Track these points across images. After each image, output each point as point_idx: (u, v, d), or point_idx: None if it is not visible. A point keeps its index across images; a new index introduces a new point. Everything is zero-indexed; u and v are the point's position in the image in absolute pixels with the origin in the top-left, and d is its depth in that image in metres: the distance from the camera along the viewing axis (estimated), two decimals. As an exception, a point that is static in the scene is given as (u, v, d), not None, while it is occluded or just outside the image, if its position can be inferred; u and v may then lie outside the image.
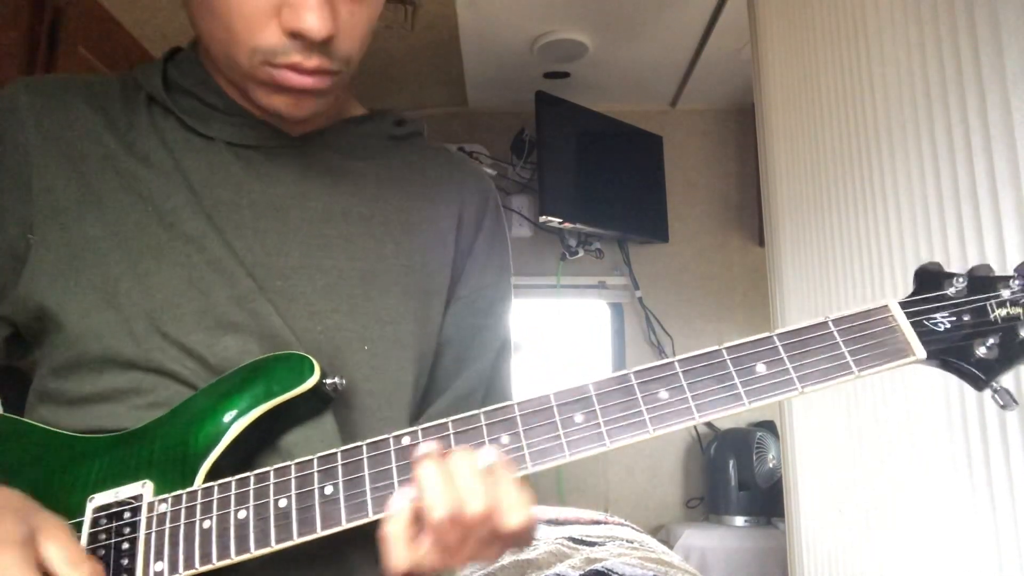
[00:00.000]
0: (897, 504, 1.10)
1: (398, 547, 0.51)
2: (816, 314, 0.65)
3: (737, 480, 2.52)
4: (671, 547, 2.18)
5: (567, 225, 2.67)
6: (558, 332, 2.94)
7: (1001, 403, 0.53)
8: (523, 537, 0.54)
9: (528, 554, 1.30)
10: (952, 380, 0.95)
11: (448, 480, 0.51)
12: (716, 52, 2.49)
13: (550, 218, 2.61)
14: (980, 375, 0.53)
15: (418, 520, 0.52)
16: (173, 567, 0.54)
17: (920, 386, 1.03)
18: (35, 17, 1.62)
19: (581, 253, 2.87)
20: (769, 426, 2.59)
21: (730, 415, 0.53)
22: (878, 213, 1.15)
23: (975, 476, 0.91)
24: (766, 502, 2.46)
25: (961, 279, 0.55)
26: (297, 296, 0.66)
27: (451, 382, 0.75)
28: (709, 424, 2.80)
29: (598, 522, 1.64)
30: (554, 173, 2.62)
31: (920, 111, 1.03)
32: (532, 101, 2.60)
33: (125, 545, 0.55)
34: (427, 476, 0.51)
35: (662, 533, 2.57)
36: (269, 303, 0.64)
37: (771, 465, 2.49)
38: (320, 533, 0.53)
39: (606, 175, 2.76)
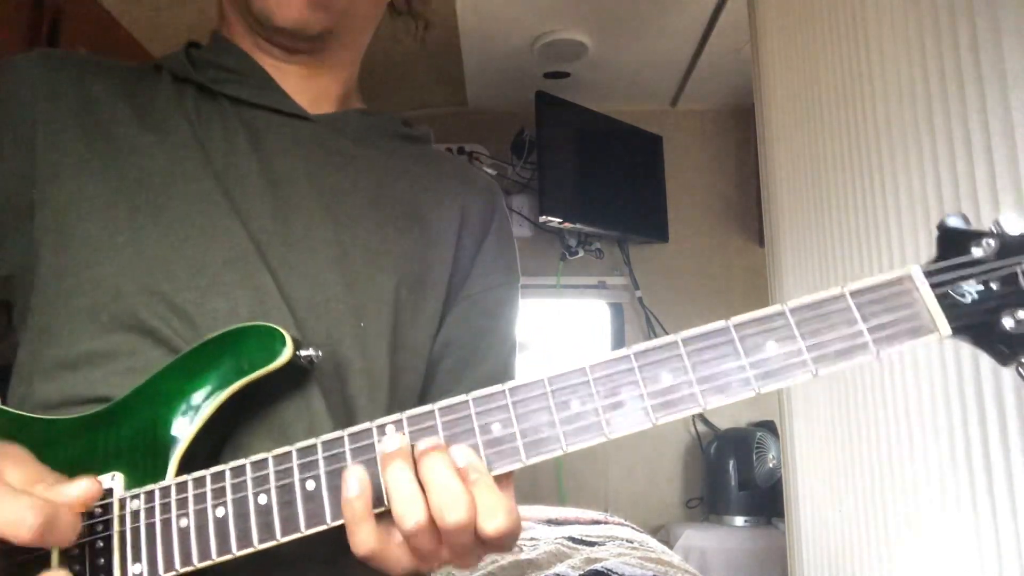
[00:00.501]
0: (897, 504, 1.10)
1: (361, 530, 0.48)
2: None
3: (737, 480, 2.52)
4: (671, 547, 2.18)
5: (567, 225, 2.67)
6: (558, 332, 2.94)
7: None
8: (504, 543, 0.50)
9: (528, 554, 1.30)
10: (952, 379, 0.96)
11: (422, 486, 0.47)
12: (716, 52, 2.49)
13: (550, 218, 2.61)
14: (1006, 350, 0.47)
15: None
16: (152, 568, 0.51)
17: (920, 385, 1.03)
18: (35, 17, 1.62)
19: (581, 253, 2.87)
20: (769, 426, 2.59)
21: (738, 400, 0.48)
22: (878, 213, 1.15)
23: (975, 475, 0.91)
24: (766, 502, 2.46)
25: (991, 240, 0.48)
26: (299, 265, 0.66)
27: (456, 383, 0.74)
28: (709, 424, 2.80)
29: (598, 522, 1.64)
30: (554, 173, 2.62)
31: (920, 111, 1.03)
32: (532, 101, 2.60)
33: (99, 544, 0.52)
34: (397, 482, 0.47)
35: (662, 533, 2.57)
36: (266, 268, 0.63)
37: (771, 465, 2.49)
38: (304, 532, 0.50)
39: (606, 175, 2.76)
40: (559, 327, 2.94)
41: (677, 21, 2.32)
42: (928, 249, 1.01)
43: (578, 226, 2.69)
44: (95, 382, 0.60)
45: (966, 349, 0.92)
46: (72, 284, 0.62)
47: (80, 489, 0.50)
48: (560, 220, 2.62)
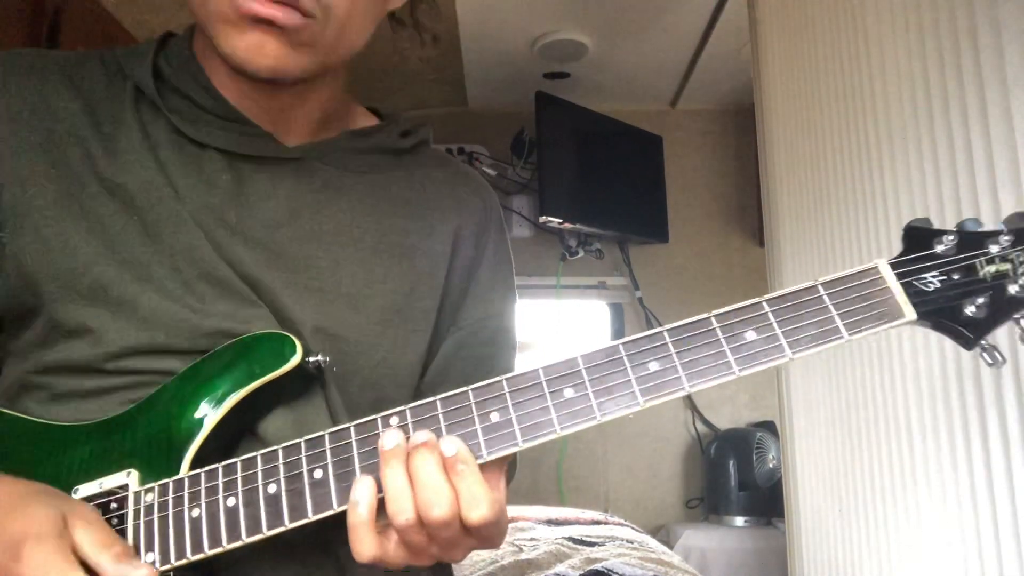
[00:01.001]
0: (897, 504, 1.10)
1: (363, 537, 0.51)
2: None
3: (737, 480, 2.52)
4: (671, 547, 2.18)
5: (567, 225, 2.67)
6: (558, 333, 2.94)
7: (989, 361, 0.53)
8: (489, 534, 0.53)
9: (528, 554, 1.30)
10: (951, 379, 0.96)
11: (412, 483, 0.50)
12: (716, 52, 2.49)
13: (550, 218, 2.61)
14: (968, 334, 0.53)
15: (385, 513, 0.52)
16: (165, 557, 0.53)
17: (920, 385, 1.03)
18: (35, 17, 1.62)
19: (581, 253, 2.87)
20: (769, 426, 2.59)
21: (720, 384, 0.52)
22: (878, 213, 1.15)
23: (975, 475, 0.91)
24: (766, 502, 2.46)
25: (951, 236, 0.53)
26: (285, 312, 0.65)
27: None
28: (709, 424, 2.80)
29: (598, 522, 1.65)
30: (554, 173, 2.62)
31: (920, 111, 1.03)
32: (532, 101, 2.60)
33: None
34: (392, 480, 0.51)
35: (662, 533, 2.57)
36: (271, 313, 0.63)
37: (771, 465, 2.49)
38: (311, 518, 0.52)
39: (606, 175, 2.76)
40: (559, 327, 2.94)
41: (677, 21, 2.32)
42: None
43: (578, 226, 2.69)
44: (111, 410, 0.61)
45: (966, 350, 0.92)
46: (72, 335, 0.61)
47: (144, 573, 0.51)
48: (560, 220, 2.62)
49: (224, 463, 0.55)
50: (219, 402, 0.58)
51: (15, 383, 0.64)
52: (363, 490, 0.51)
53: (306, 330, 0.64)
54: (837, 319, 0.52)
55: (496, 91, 2.81)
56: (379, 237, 0.71)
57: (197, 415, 0.58)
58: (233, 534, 0.53)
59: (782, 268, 1.57)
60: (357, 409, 0.65)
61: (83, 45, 1.75)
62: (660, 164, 2.89)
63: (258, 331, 0.62)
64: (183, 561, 0.53)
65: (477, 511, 0.50)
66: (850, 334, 0.52)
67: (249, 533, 0.53)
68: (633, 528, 1.65)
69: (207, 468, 0.55)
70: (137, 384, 0.61)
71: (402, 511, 0.50)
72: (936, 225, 0.55)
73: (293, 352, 0.59)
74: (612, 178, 2.76)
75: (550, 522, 1.63)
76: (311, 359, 0.60)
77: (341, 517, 0.52)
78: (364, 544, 0.51)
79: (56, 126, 0.64)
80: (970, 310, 0.52)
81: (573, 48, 2.47)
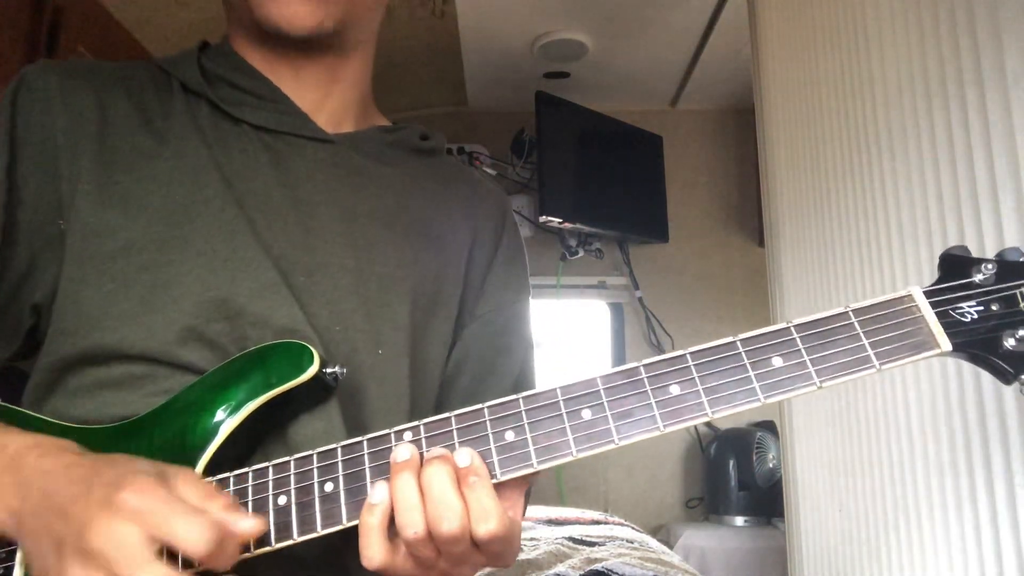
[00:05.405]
0: (897, 503, 1.10)
1: (374, 542, 0.50)
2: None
3: (737, 480, 2.52)
4: (671, 547, 2.18)
5: (567, 225, 2.67)
6: (558, 332, 2.94)
7: None
8: (498, 550, 0.52)
9: (528, 554, 1.30)
10: (951, 379, 0.96)
11: (422, 496, 0.49)
12: (716, 52, 2.49)
13: (550, 218, 2.61)
14: (1008, 368, 0.50)
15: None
16: (171, 566, 0.52)
17: (920, 385, 1.03)
18: (35, 17, 1.62)
19: (581, 253, 2.87)
20: (769, 426, 2.59)
21: (744, 411, 0.50)
22: (878, 213, 1.15)
23: (975, 475, 0.91)
24: (766, 502, 2.46)
25: (990, 265, 0.51)
26: (319, 293, 0.66)
27: (472, 400, 0.75)
28: (709, 424, 2.80)
29: (598, 522, 1.64)
30: (554, 173, 2.62)
31: (920, 111, 1.03)
32: (532, 101, 2.60)
33: None
34: (401, 492, 0.50)
35: (662, 533, 2.57)
36: (293, 298, 0.64)
37: (771, 465, 2.49)
38: (320, 532, 0.51)
39: (606, 175, 2.76)
40: (559, 327, 2.94)
41: (677, 21, 2.32)
42: (928, 247, 1.01)
43: (578, 226, 2.69)
44: (131, 403, 0.61)
45: (1005, 385, 0.92)
46: (101, 318, 0.62)
47: (249, 524, 0.51)
48: (560, 220, 2.62)
49: (235, 472, 0.55)
50: (234, 410, 0.57)
51: (42, 382, 0.65)
52: (381, 494, 0.50)
53: (336, 312, 0.65)
54: (868, 348, 0.50)
55: (496, 91, 2.81)
56: (409, 223, 0.74)
57: (212, 422, 0.57)
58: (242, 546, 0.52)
59: (782, 268, 1.57)
60: (377, 409, 0.66)
61: (83, 45, 1.75)
62: (660, 164, 2.89)
63: (280, 322, 0.62)
64: (188, 572, 0.51)
65: (486, 525, 0.49)
66: (881, 364, 0.50)
67: (257, 546, 0.52)
68: (633, 528, 1.65)
69: (218, 477, 0.55)
70: (159, 375, 0.61)
71: (412, 524, 0.49)
72: (950, 239, 0.54)
73: (311, 362, 0.58)
74: (612, 178, 2.76)
75: (550, 522, 1.63)
76: (328, 370, 0.60)
77: (350, 529, 0.52)
78: (375, 549, 0.50)
79: (109, 121, 0.67)
80: (1010, 343, 0.50)
81: (573, 48, 2.47)
